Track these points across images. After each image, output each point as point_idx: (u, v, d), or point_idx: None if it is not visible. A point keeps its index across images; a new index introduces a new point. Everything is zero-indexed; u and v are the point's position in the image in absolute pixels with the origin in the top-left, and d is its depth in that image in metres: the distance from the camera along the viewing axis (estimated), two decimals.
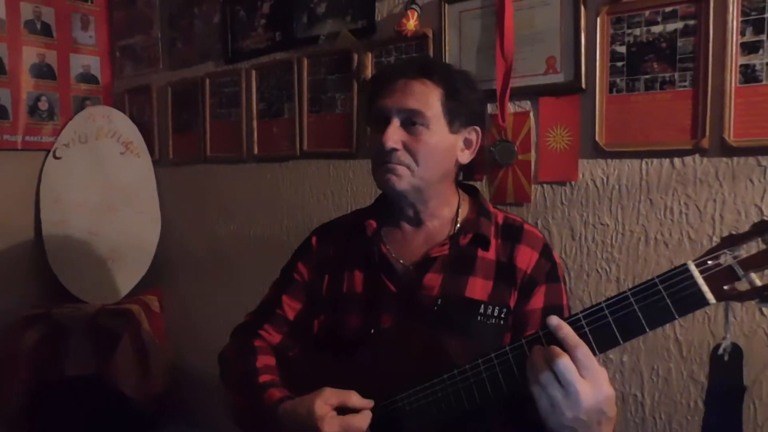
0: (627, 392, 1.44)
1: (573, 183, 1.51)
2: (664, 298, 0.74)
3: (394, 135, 1.01)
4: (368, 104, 1.10)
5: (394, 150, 1.01)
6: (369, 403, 0.94)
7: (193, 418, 2.57)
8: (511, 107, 1.58)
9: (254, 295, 1.28)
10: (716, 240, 0.74)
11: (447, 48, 1.68)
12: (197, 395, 2.53)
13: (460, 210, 1.11)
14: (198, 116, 2.43)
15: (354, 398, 0.94)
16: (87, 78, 2.76)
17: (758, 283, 0.71)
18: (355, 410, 0.93)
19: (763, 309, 1.25)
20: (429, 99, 1.01)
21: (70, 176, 2.63)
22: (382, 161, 1.04)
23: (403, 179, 1.03)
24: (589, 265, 1.50)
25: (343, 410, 0.93)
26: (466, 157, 1.09)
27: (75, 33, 2.71)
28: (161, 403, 2.55)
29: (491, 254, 1.06)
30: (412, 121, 1.02)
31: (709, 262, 0.73)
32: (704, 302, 0.72)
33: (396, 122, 1.02)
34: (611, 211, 1.46)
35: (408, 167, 1.02)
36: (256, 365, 1.09)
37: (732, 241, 0.73)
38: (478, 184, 1.65)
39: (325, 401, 0.93)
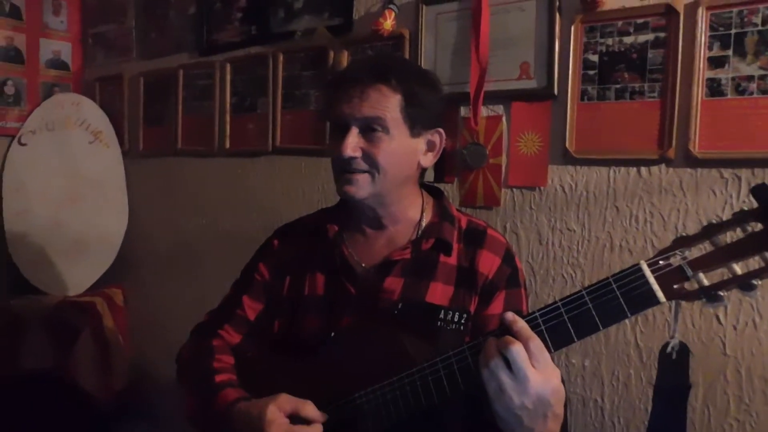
0: (588, 396, 1.46)
1: (542, 188, 1.53)
2: (618, 297, 0.75)
3: (353, 143, 0.99)
4: (327, 108, 1.09)
5: (353, 158, 1.00)
6: (322, 416, 0.94)
7: (155, 415, 2.52)
8: (483, 111, 1.59)
9: (221, 291, 1.26)
10: (668, 245, 0.76)
11: (423, 49, 1.68)
12: (160, 392, 2.48)
13: (423, 213, 1.10)
14: (170, 108, 2.39)
15: (308, 408, 0.93)
16: (57, 64, 2.69)
17: (706, 282, 0.73)
18: (308, 421, 0.92)
19: (719, 315, 1.28)
20: (387, 105, 0.99)
21: (36, 164, 2.56)
22: (341, 170, 1.03)
23: (363, 188, 1.02)
24: (555, 270, 1.51)
25: (296, 419, 0.93)
26: (428, 160, 1.08)
27: (46, 17, 2.64)
28: (122, 400, 2.49)
29: (453, 259, 1.06)
30: (371, 128, 1.00)
31: (661, 262, 0.75)
32: (655, 301, 0.74)
33: (354, 130, 1.00)
34: (578, 217, 1.48)
35: (368, 174, 1.01)
36: (213, 365, 1.07)
37: (683, 242, 0.75)
38: (447, 187, 1.66)
39: (278, 407, 0.92)
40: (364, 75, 1.01)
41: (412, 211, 1.10)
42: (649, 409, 1.37)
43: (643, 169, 1.39)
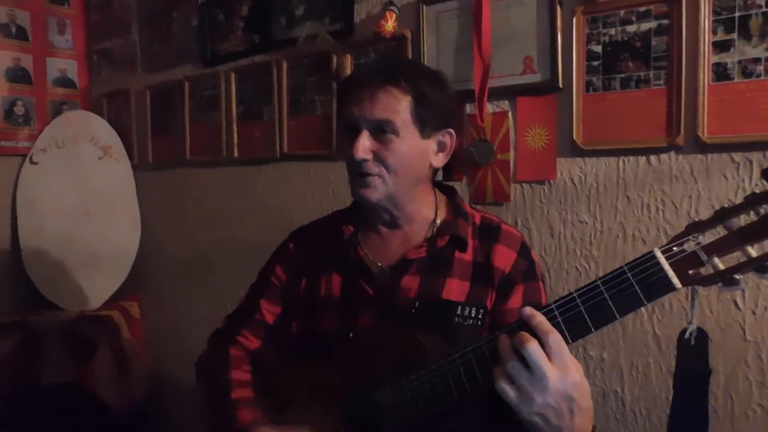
0: (607, 388, 1.45)
1: (551, 182, 1.52)
2: (633, 285, 0.75)
3: (364, 145, 1.00)
4: (337, 109, 1.10)
5: (365, 160, 1.01)
6: None
7: (174, 425, 2.53)
8: (489, 107, 1.59)
9: (235, 299, 1.27)
10: (681, 231, 0.75)
11: (425, 49, 1.69)
12: (177, 402, 2.50)
13: (437, 211, 1.11)
14: (177, 120, 2.41)
15: None
16: (64, 82, 2.73)
17: (721, 267, 0.73)
18: None
19: (737, 300, 1.27)
20: (397, 107, 0.99)
21: (47, 182, 2.59)
22: (354, 172, 1.04)
23: (377, 190, 1.02)
24: (569, 263, 1.51)
25: None
26: (440, 160, 1.09)
27: (51, 37, 2.68)
28: (141, 411, 2.51)
29: (468, 255, 1.06)
30: (381, 130, 1.00)
31: (674, 248, 0.75)
32: (671, 287, 0.74)
33: (365, 132, 1.01)
34: (589, 209, 1.47)
35: (380, 176, 1.02)
36: (229, 377, 1.08)
37: (696, 227, 0.75)
38: (456, 184, 1.66)
39: None
40: (373, 77, 1.01)
41: (426, 210, 1.11)
42: (670, 398, 1.36)
43: (653, 158, 1.38)
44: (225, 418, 1.03)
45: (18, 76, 2.57)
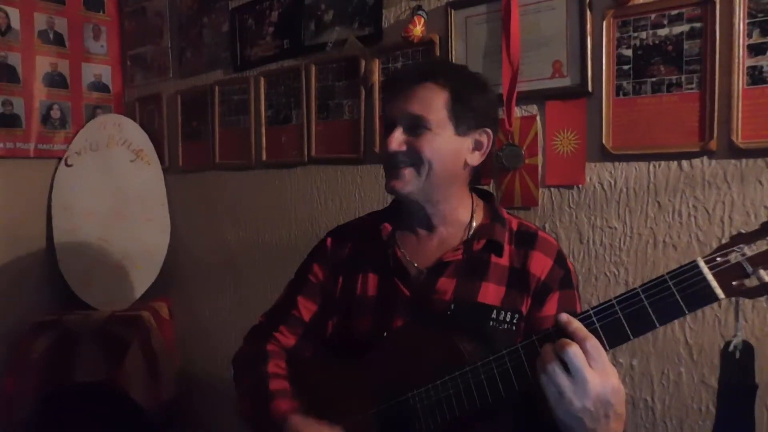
0: (637, 397, 1.43)
1: (580, 186, 1.51)
2: (674, 294, 0.75)
3: (398, 139, 1.03)
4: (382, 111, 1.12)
5: (398, 152, 1.02)
6: None
7: (202, 425, 2.57)
8: (517, 111, 1.58)
9: (263, 301, 1.29)
10: (725, 242, 0.75)
11: (453, 53, 1.69)
12: (206, 402, 2.53)
13: (474, 215, 1.11)
14: (207, 124, 2.46)
15: None
16: (98, 87, 2.80)
17: (767, 279, 0.72)
18: None
19: None
20: (432, 103, 1.02)
21: (81, 184, 2.66)
22: (388, 165, 1.05)
23: (408, 183, 1.04)
24: (598, 269, 1.49)
25: None
26: (476, 158, 1.09)
27: (87, 43, 2.75)
28: (170, 410, 2.55)
29: (504, 260, 1.06)
30: (416, 126, 1.02)
31: (718, 258, 0.74)
32: (714, 297, 0.74)
33: (400, 128, 1.03)
34: (619, 215, 1.45)
35: (412, 167, 1.03)
36: (267, 370, 1.10)
37: (741, 239, 0.74)
38: (484, 188, 1.65)
39: None
40: (413, 74, 1.05)
41: (462, 212, 1.11)
42: (703, 408, 1.33)
43: (684, 163, 1.36)
44: (262, 410, 1.05)
45: (55, 81, 2.64)
